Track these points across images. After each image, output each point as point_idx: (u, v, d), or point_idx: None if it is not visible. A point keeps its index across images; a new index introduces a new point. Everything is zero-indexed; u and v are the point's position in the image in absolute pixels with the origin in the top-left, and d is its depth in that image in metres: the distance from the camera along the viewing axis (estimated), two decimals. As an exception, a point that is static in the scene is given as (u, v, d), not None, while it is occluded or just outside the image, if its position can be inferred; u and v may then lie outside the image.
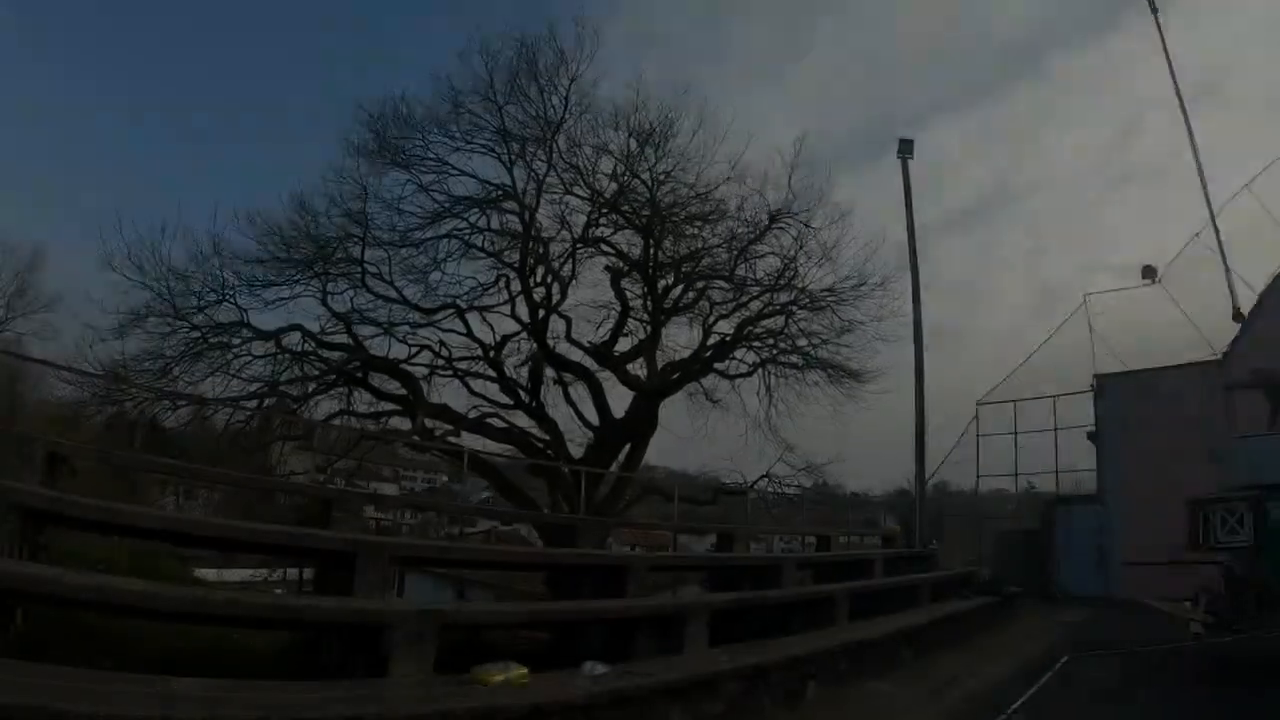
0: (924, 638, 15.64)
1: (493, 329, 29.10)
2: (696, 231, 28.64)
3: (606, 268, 28.28)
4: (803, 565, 17.53)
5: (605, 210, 27.57)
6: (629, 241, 28.57)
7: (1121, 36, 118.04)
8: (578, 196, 27.32)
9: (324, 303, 26.70)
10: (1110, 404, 31.24)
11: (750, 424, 31.15)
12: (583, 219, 28.01)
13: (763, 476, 30.94)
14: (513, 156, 26.50)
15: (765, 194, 28.43)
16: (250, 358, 25.97)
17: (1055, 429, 32.96)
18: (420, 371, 28.74)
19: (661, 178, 27.42)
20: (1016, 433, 33.67)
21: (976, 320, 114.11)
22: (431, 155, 26.36)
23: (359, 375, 27.53)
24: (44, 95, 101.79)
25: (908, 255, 31.21)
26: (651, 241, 27.73)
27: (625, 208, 27.42)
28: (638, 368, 28.97)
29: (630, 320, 29.33)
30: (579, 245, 27.76)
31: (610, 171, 27.48)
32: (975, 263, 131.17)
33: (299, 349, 26.59)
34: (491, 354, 28.73)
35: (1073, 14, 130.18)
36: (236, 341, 25.61)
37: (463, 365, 28.86)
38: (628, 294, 28.50)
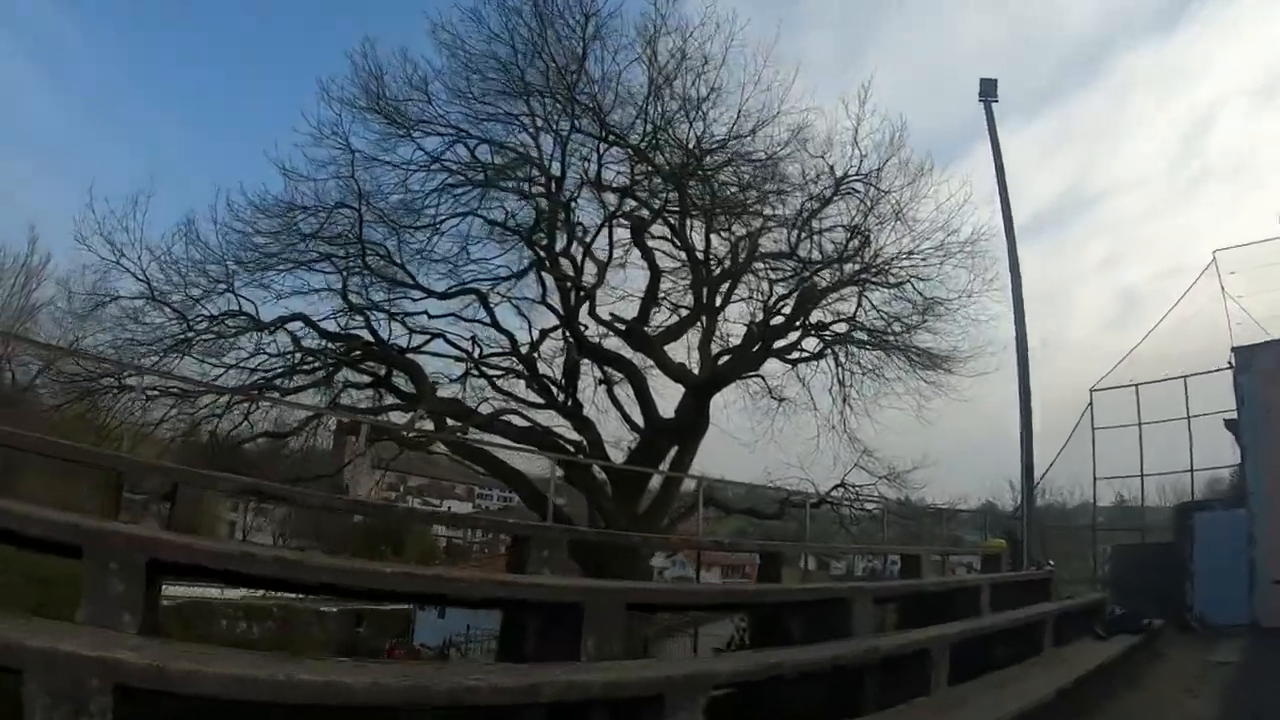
0: (1059, 711, 9.97)
1: (529, 322, 24.33)
2: (738, 184, 22.87)
3: (623, 215, 22.59)
4: (883, 599, 11.83)
5: (615, 142, 21.72)
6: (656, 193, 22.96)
7: (1191, 28, 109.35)
8: (587, 134, 21.64)
9: (343, 294, 22.13)
10: (1254, 382, 23.38)
11: (822, 424, 25.67)
12: (600, 167, 22.37)
13: (836, 486, 25.47)
14: (537, 123, 21.64)
15: (829, 158, 22.90)
16: (266, 356, 21.64)
17: (1188, 416, 25.15)
18: (454, 372, 24.23)
19: (692, 109, 21.51)
20: (1141, 424, 26.04)
21: (1057, 330, 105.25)
22: (441, 119, 21.39)
23: (382, 374, 22.99)
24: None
25: (1000, 221, 24.95)
26: (687, 191, 22.03)
27: (651, 151, 21.70)
28: (688, 360, 23.89)
29: (675, 305, 24.33)
30: (592, 187, 22.23)
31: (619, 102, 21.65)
32: (1051, 271, 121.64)
33: (316, 345, 22.16)
34: (523, 349, 23.90)
35: (1140, 9, 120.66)
36: (230, 331, 21.25)
37: (502, 363, 24.19)
38: (656, 254, 22.89)
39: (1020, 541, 21.66)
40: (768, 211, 23.50)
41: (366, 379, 23.32)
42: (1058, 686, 10.06)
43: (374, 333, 22.66)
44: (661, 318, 24.16)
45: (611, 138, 21.32)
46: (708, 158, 21.91)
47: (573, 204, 22.10)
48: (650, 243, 22.62)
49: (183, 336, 20.44)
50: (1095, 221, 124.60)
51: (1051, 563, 21.22)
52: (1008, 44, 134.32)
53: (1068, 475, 27.21)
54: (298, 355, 22.10)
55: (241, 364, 21.39)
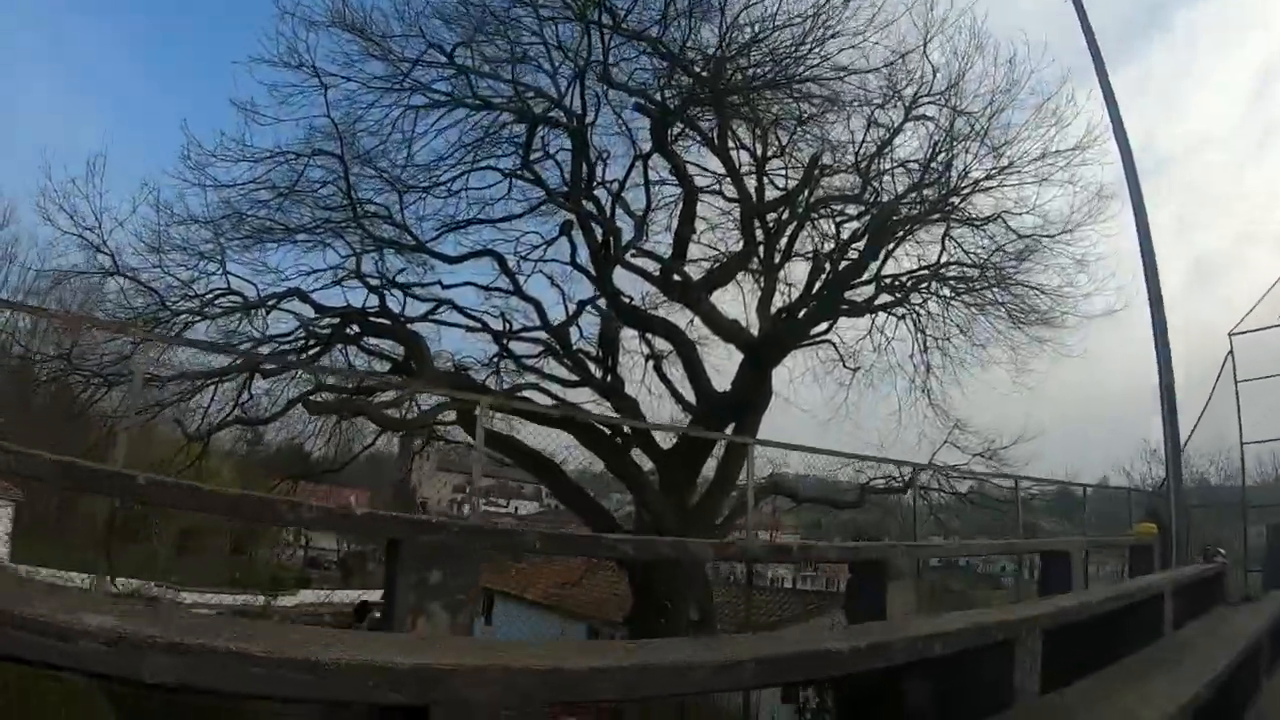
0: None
1: (563, 293, 20.01)
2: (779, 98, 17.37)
3: (637, 106, 17.16)
4: (1053, 630, 6.88)
5: (625, 31, 16.13)
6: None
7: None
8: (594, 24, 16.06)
9: (357, 271, 18.20)
10: None
11: (903, 394, 21.00)
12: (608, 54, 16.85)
13: (924, 467, 20.64)
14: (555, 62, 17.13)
15: (895, 80, 17.66)
16: (276, 344, 17.76)
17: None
18: (484, 352, 20.10)
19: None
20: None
21: (1135, 303, 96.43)
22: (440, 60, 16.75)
23: (401, 357, 18.81)
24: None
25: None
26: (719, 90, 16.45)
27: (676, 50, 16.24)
28: (745, 321, 19.38)
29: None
30: (601, 84, 16.89)
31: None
32: (1124, 244, 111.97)
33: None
34: (558, 325, 19.58)
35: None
36: (217, 312, 17.32)
37: (533, 337, 19.94)
38: (690, 167, 17.77)
39: (1169, 526, 16.31)
40: (824, 129, 18.53)
41: (387, 363, 19.33)
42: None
43: (386, 308, 18.69)
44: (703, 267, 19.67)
45: (623, 28, 16.20)
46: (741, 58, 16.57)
47: (591, 132, 17.45)
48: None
49: (156, 317, 16.61)
50: (1165, 184, 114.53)
51: (1223, 551, 15.83)
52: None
53: (1206, 442, 21.45)
54: (306, 337, 18.27)
55: (252, 352, 17.47)
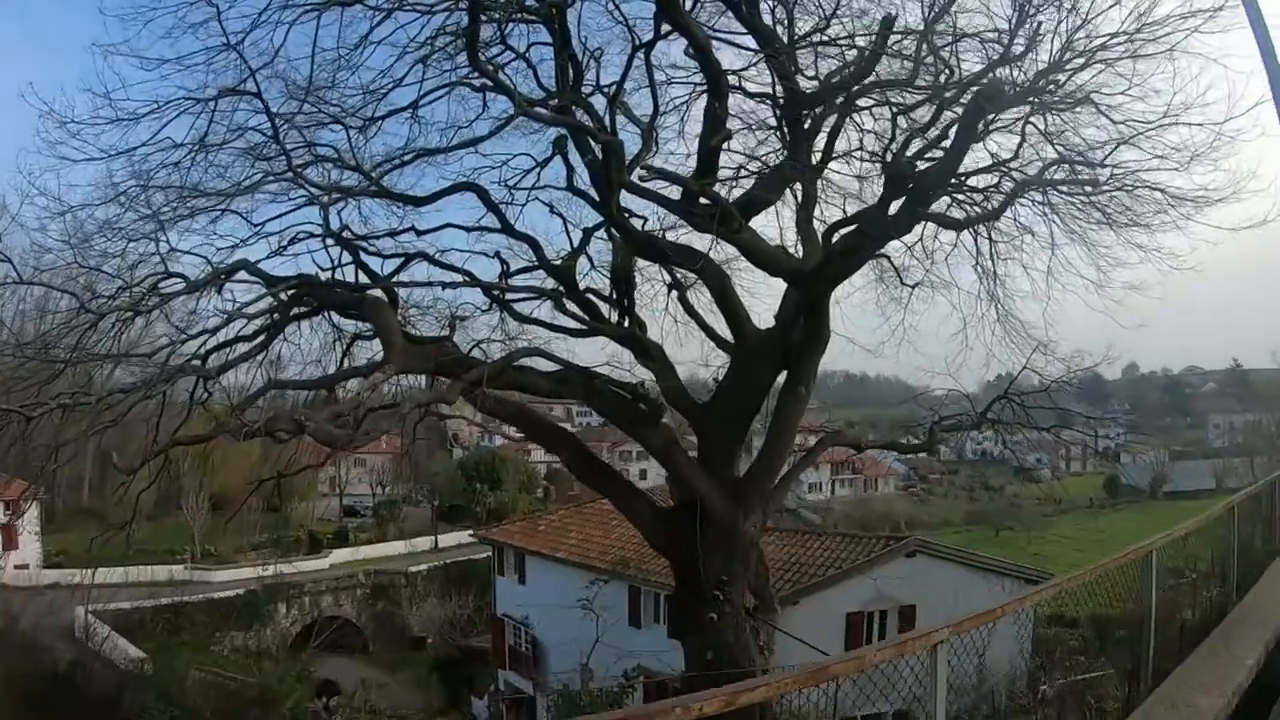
0: None
1: (565, 221, 15.35)
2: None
3: None
4: None
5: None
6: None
7: None
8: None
9: (325, 229, 13.85)
10: None
11: (968, 309, 16.30)
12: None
13: (999, 397, 16.43)
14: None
15: None
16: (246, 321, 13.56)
17: None
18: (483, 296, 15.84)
19: None
20: None
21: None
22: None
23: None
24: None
25: None
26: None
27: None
28: (782, 239, 15.15)
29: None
30: None
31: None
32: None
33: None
34: (561, 259, 15.16)
35: None
36: (149, 306, 13.15)
37: (530, 283, 15.35)
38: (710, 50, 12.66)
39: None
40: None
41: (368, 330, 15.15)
42: None
43: (363, 266, 14.43)
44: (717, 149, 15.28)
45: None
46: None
47: (580, 16, 12.79)
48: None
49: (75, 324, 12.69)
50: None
51: None
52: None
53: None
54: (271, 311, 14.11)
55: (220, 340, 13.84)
